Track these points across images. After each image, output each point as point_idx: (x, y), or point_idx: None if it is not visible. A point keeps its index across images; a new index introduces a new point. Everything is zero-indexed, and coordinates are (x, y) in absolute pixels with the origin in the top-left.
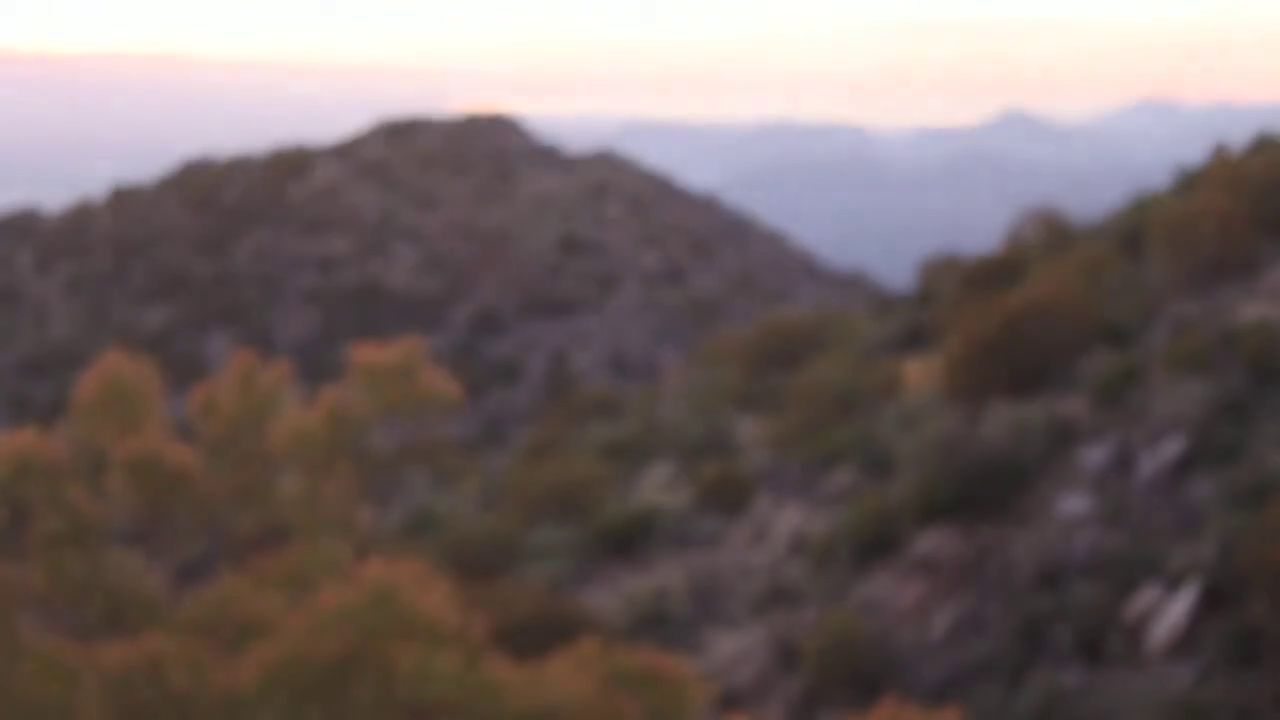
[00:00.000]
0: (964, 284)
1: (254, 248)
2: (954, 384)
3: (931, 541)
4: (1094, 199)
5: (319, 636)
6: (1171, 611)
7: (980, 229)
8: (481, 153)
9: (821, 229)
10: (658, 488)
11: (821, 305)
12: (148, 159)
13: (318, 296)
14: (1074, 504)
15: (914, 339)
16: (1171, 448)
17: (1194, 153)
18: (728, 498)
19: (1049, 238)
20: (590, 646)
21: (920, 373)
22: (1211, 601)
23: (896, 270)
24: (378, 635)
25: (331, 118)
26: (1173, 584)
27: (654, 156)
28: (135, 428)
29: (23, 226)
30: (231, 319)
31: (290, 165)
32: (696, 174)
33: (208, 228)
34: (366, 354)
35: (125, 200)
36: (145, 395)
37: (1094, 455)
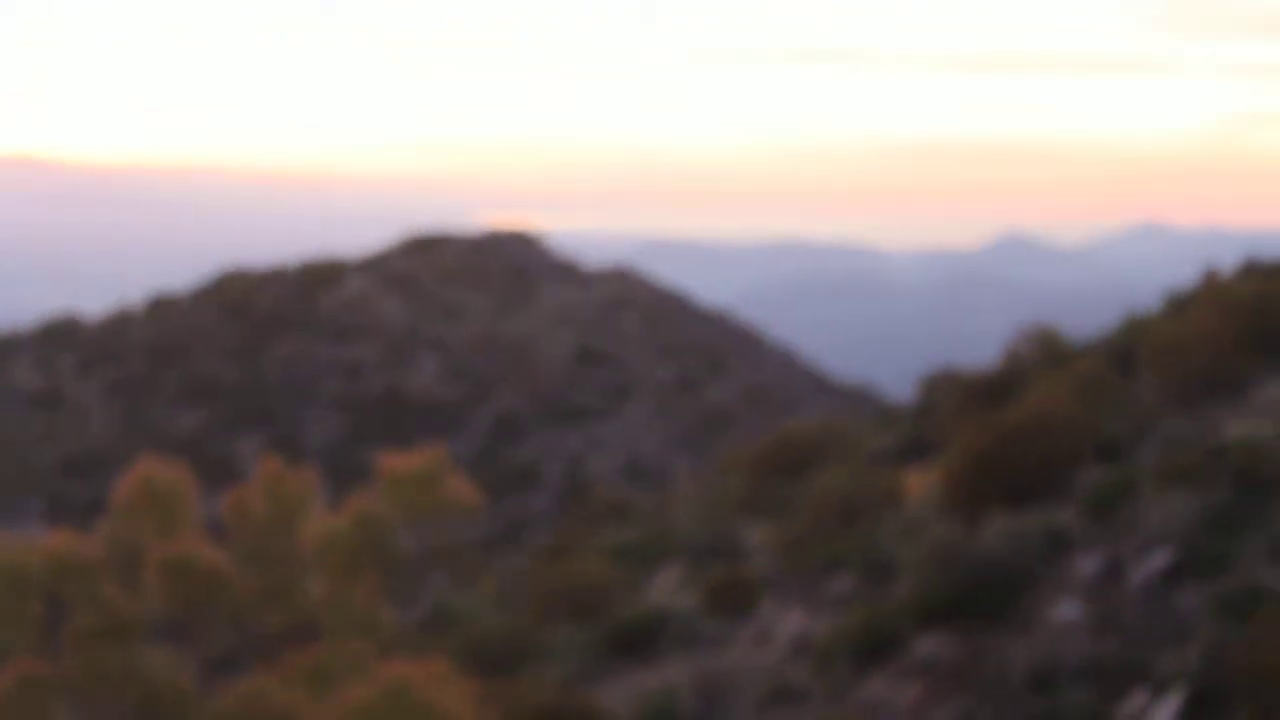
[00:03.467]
0: (963, 398)
1: (285, 354)
2: (952, 495)
3: (930, 645)
4: (1089, 318)
5: None
6: (1159, 716)
7: (980, 346)
8: (502, 266)
9: (829, 343)
10: (667, 590)
11: (827, 417)
12: (185, 266)
13: (345, 402)
14: (1067, 611)
15: (915, 450)
16: (1161, 558)
17: (1185, 274)
18: (734, 601)
19: (1045, 355)
20: None
21: (920, 483)
22: (1198, 707)
23: (900, 384)
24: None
25: (361, 228)
26: (1160, 689)
27: (668, 272)
28: (170, 529)
29: (65, 332)
30: (262, 423)
31: (321, 276)
32: (709, 290)
33: (241, 335)
34: (392, 462)
35: (162, 308)
36: (180, 497)
37: (1086, 565)
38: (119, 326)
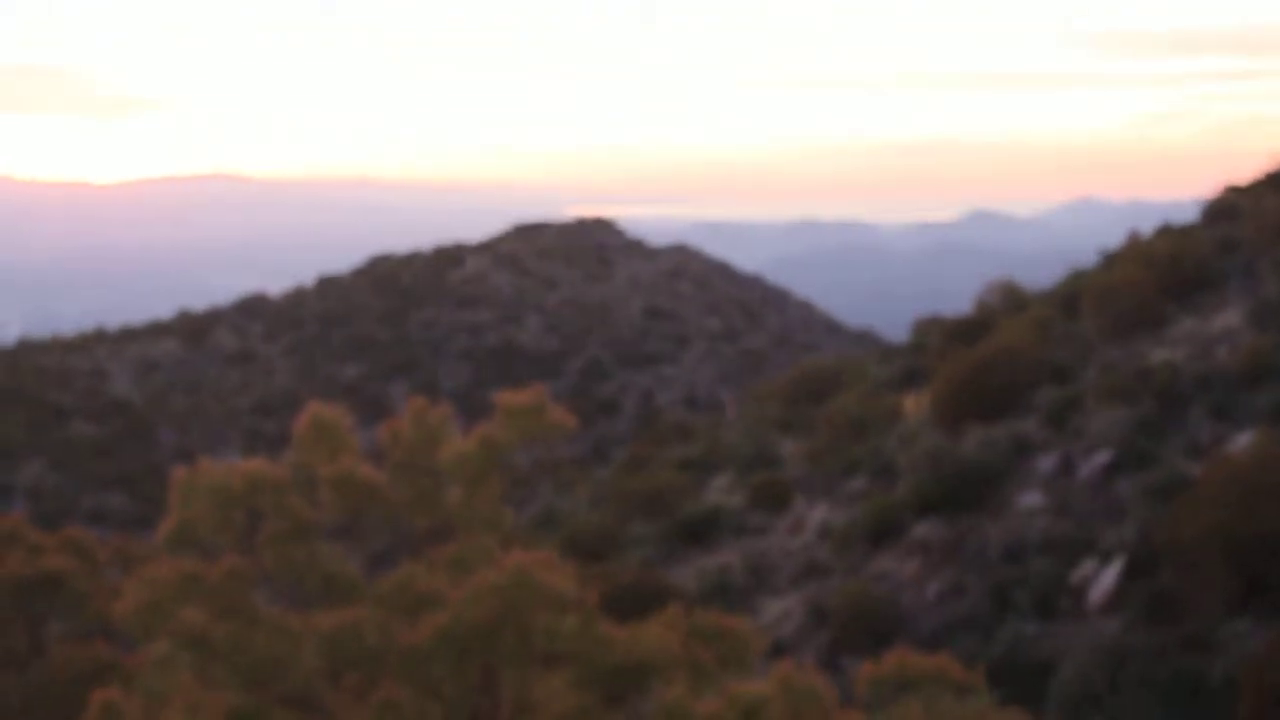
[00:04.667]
0: (945, 338)
1: (423, 319)
2: (939, 412)
3: (924, 529)
4: (1041, 275)
5: (475, 606)
6: (1104, 579)
7: (956, 298)
8: (586, 246)
9: (840, 299)
10: (721, 492)
11: (839, 356)
12: (346, 255)
13: (469, 354)
14: (1030, 499)
15: (909, 379)
16: (1102, 457)
17: (1115, 238)
18: (773, 499)
19: (1007, 303)
20: (674, 610)
21: (914, 404)
22: (1133, 571)
23: (895, 329)
24: (518, 605)
25: (477, 220)
26: (1105, 558)
27: (713, 247)
28: (337, 454)
29: (255, 307)
30: (407, 372)
31: (449, 258)
32: (745, 260)
33: (389, 304)
34: (507, 398)
35: (328, 286)
36: (343, 430)
37: (1044, 464)
38: (296, 301)
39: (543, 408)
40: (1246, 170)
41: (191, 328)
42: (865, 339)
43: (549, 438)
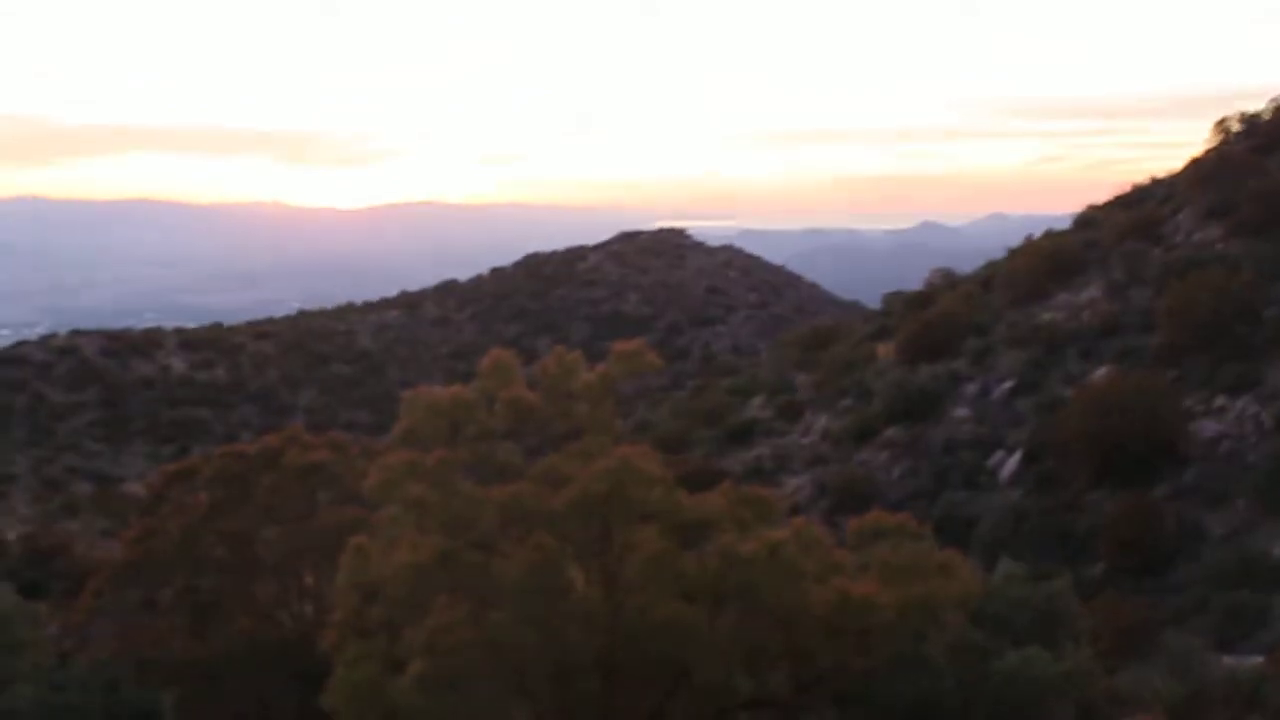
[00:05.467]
0: (906, 306)
1: (559, 295)
2: (901, 354)
3: (891, 432)
4: (967, 265)
5: (595, 483)
6: (1009, 464)
7: (913, 281)
8: (667, 247)
9: (835, 282)
10: (756, 408)
11: (835, 319)
12: (506, 256)
13: (590, 318)
14: (961, 412)
15: (882, 333)
16: (1007, 384)
17: (1017, 240)
18: (790, 413)
19: (945, 283)
20: (726, 485)
21: (885, 350)
22: (1028, 459)
23: (873, 301)
24: (623, 481)
25: (596, 231)
26: (1009, 451)
27: (750, 247)
28: (508, 384)
29: (449, 288)
30: (549, 330)
31: (576, 255)
32: (772, 256)
33: (537, 286)
34: (617, 346)
35: (498, 274)
36: (511, 367)
37: (970, 389)
38: (477, 285)
39: (640, 353)
40: (1102, 196)
41: (408, 302)
42: (853, 308)
43: (644, 372)
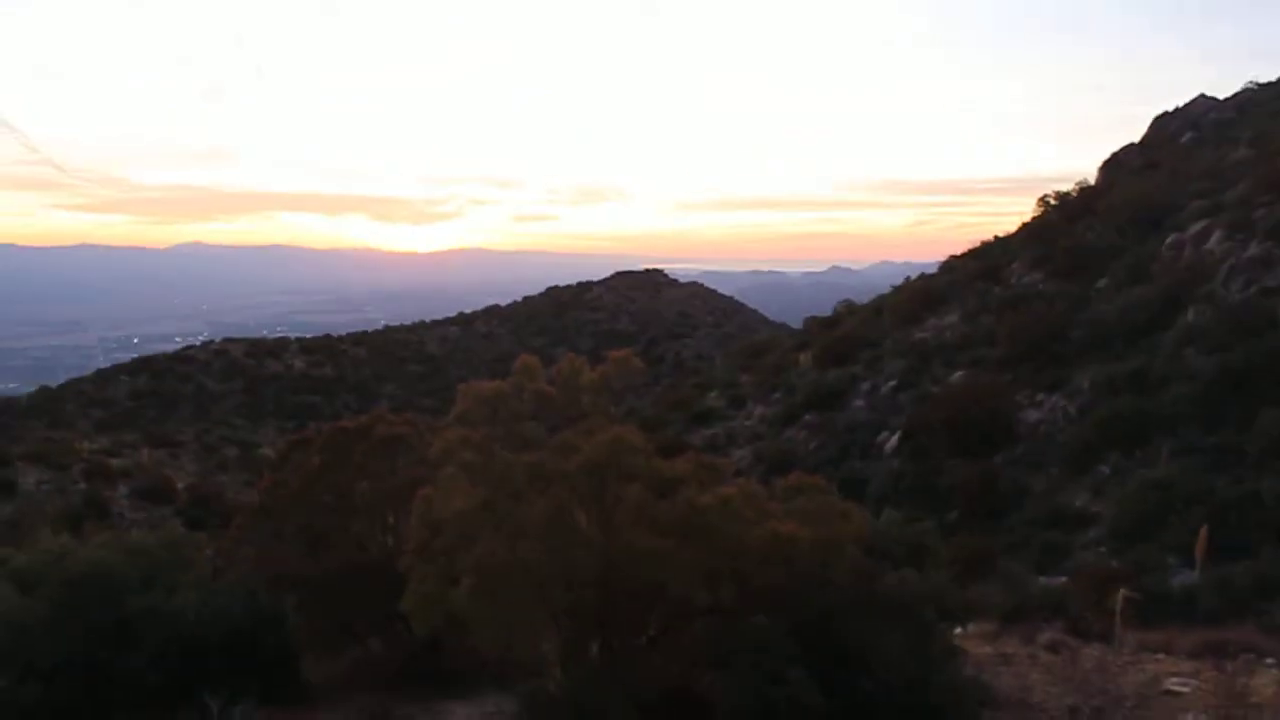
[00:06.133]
0: (820, 327)
1: (572, 317)
2: (816, 362)
3: (809, 417)
4: (865, 298)
5: (596, 452)
6: (891, 440)
7: (825, 309)
8: (650, 282)
9: (769, 310)
10: (713, 400)
11: (769, 336)
12: (535, 288)
13: (593, 335)
14: (859, 402)
15: (802, 346)
16: (892, 383)
17: (898, 280)
18: (737, 403)
19: (848, 311)
20: (690, 455)
21: (805, 358)
22: (905, 436)
23: (797, 323)
24: (617, 451)
25: (598, 271)
26: (893, 430)
27: (710, 283)
28: (533, 379)
29: (493, 311)
30: (564, 343)
31: (585, 288)
32: (725, 288)
33: (555, 310)
34: (614, 354)
35: (529, 300)
36: (536, 369)
37: (864, 386)
38: (512, 309)
39: (628, 359)
40: (960, 249)
41: (464, 320)
42: (781, 328)
43: (631, 373)
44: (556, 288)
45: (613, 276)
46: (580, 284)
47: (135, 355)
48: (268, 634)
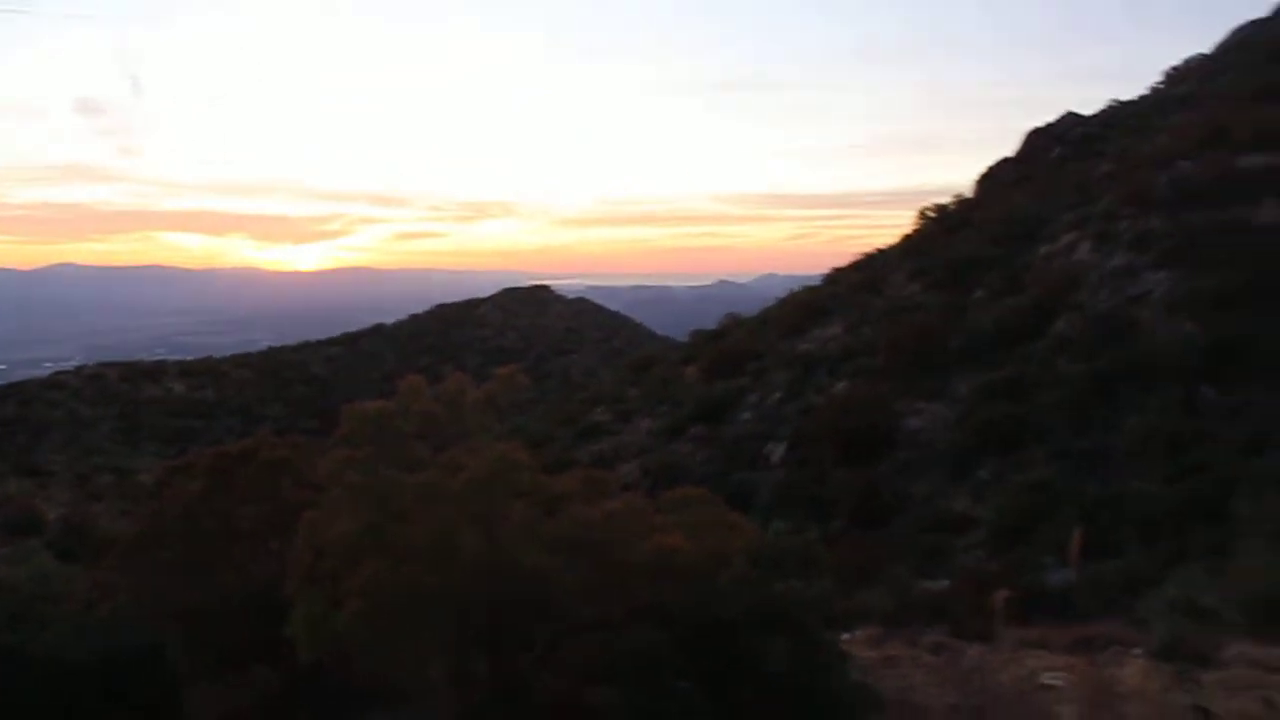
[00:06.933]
0: (706, 340)
1: (460, 334)
2: (703, 374)
3: (696, 430)
4: (751, 310)
5: (482, 469)
6: (778, 451)
7: (711, 322)
8: (536, 297)
9: (656, 324)
10: (600, 414)
11: (656, 350)
12: (423, 305)
13: (480, 351)
14: (746, 414)
15: (690, 358)
16: (778, 394)
17: (784, 292)
18: (625, 417)
19: (734, 324)
20: (577, 470)
21: (691, 371)
22: (791, 447)
23: (683, 336)
24: (502, 468)
25: (487, 287)
26: (779, 441)
27: (596, 298)
28: (418, 399)
29: (379, 330)
30: (451, 360)
31: (474, 305)
32: (611, 303)
33: (443, 327)
34: (500, 371)
35: (415, 319)
36: (421, 388)
37: (752, 398)
38: (399, 327)
39: (514, 376)
40: (842, 262)
41: (349, 340)
42: (668, 342)
43: (517, 390)
44: (443, 305)
45: (499, 293)
46: (467, 301)
47: (2, 383)
48: (147, 668)
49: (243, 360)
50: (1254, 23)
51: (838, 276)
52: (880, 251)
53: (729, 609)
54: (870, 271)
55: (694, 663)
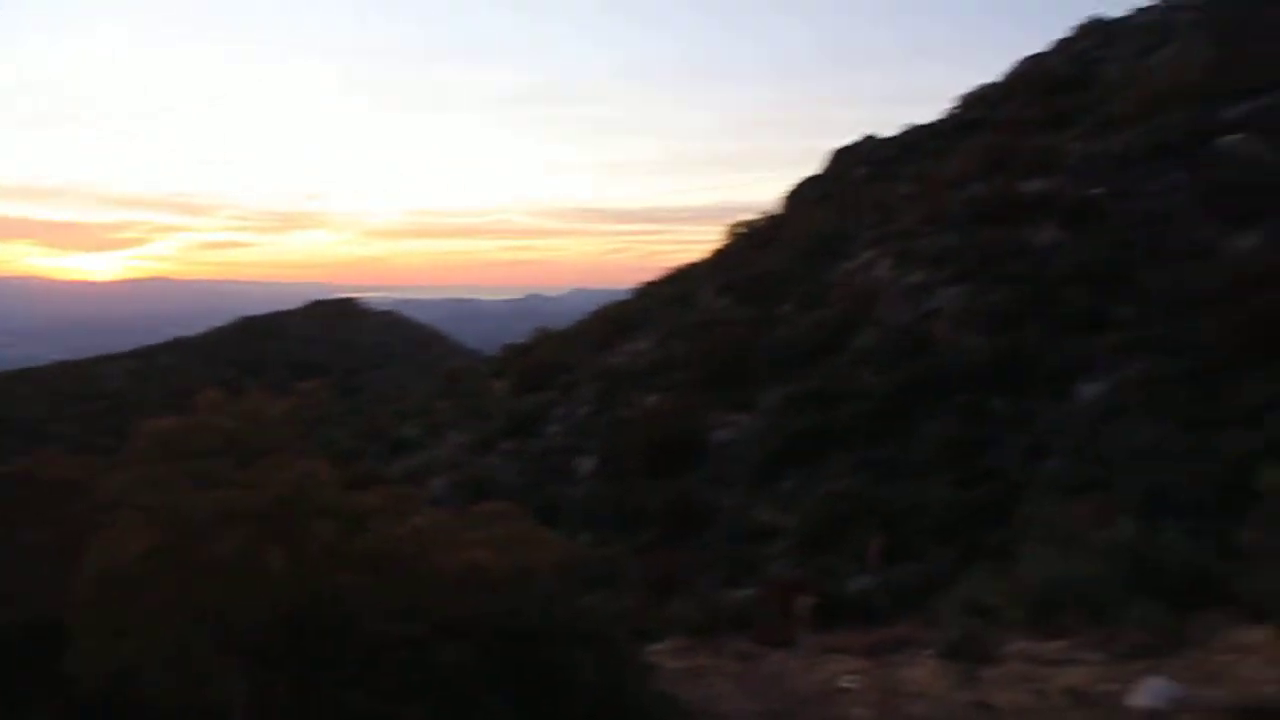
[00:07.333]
0: (516, 353)
1: (268, 346)
2: (514, 388)
3: (506, 444)
4: (561, 324)
5: (285, 487)
6: (587, 464)
7: (521, 336)
8: (347, 310)
9: (466, 337)
10: (410, 428)
11: (466, 363)
12: (232, 316)
13: (289, 365)
14: (555, 428)
15: (499, 372)
16: (587, 408)
17: (592, 307)
18: (436, 432)
19: (544, 337)
20: (381, 487)
21: (502, 385)
22: (601, 461)
23: (494, 350)
24: (306, 485)
25: (295, 300)
26: (589, 454)
27: (406, 310)
28: (215, 414)
29: (181, 342)
30: (255, 374)
31: (280, 318)
32: (421, 316)
33: (247, 342)
34: (301, 386)
35: (216, 332)
36: (220, 403)
37: (561, 411)
38: (203, 339)
39: (317, 390)
40: (652, 276)
41: (146, 353)
42: (478, 355)
43: (322, 405)
44: (248, 318)
45: (308, 306)
46: (274, 314)
47: None
48: None
49: (26, 375)
50: (1033, 57)
51: (648, 290)
52: (690, 266)
53: (537, 623)
54: (680, 286)
55: (504, 678)
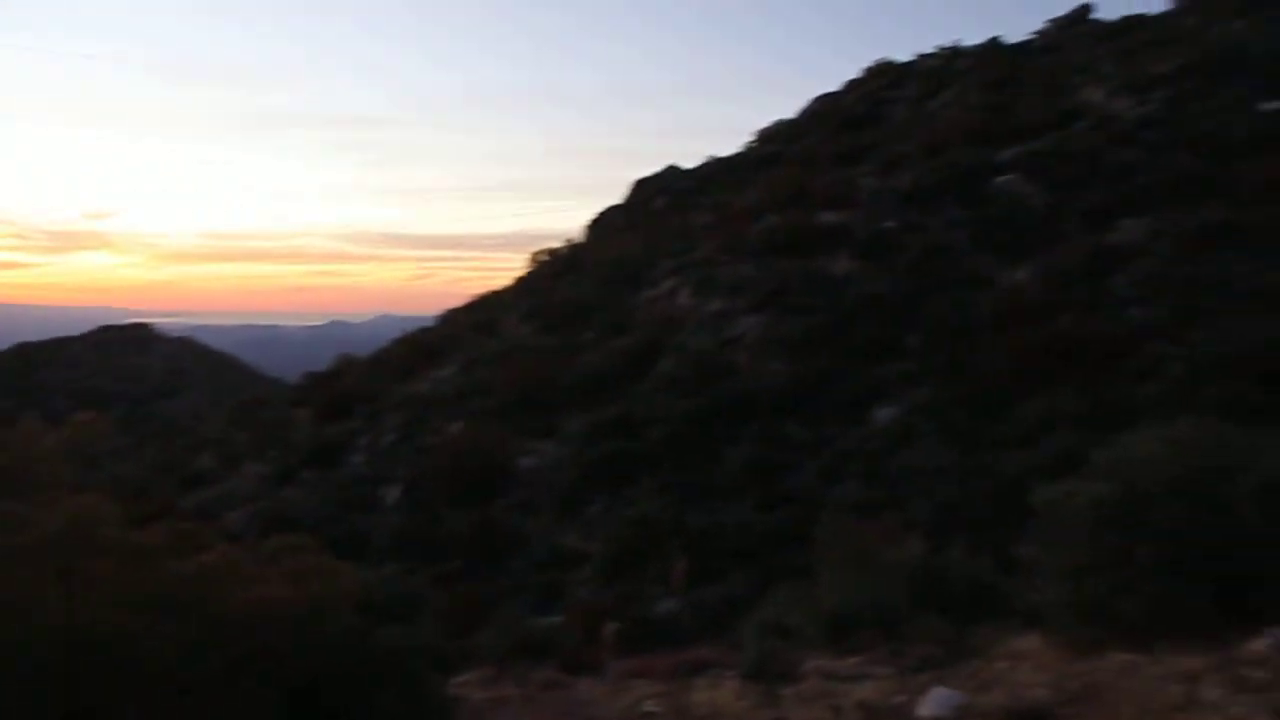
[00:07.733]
0: (318, 381)
1: (47, 376)
2: (315, 417)
3: (307, 473)
4: (365, 351)
5: (59, 524)
6: (394, 493)
7: (323, 363)
8: (136, 336)
9: (265, 364)
10: (206, 460)
11: (266, 392)
12: (11, 342)
13: (72, 394)
14: (358, 457)
15: (303, 400)
16: (392, 436)
17: (405, 331)
18: (233, 462)
19: (347, 365)
20: (166, 522)
21: (303, 414)
22: (408, 489)
23: (295, 378)
24: (82, 522)
25: (79, 326)
26: (394, 483)
27: (202, 337)
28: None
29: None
30: (32, 406)
31: (61, 344)
32: (217, 343)
33: (24, 370)
34: (77, 418)
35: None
36: None
37: (364, 440)
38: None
39: (95, 422)
40: (457, 302)
41: None
42: (278, 383)
43: (100, 437)
44: (26, 344)
45: (94, 331)
46: (55, 340)
47: None
48: None
49: None
50: (827, 95)
51: (453, 317)
52: (495, 293)
53: (332, 659)
54: (485, 313)
55: (297, 716)
